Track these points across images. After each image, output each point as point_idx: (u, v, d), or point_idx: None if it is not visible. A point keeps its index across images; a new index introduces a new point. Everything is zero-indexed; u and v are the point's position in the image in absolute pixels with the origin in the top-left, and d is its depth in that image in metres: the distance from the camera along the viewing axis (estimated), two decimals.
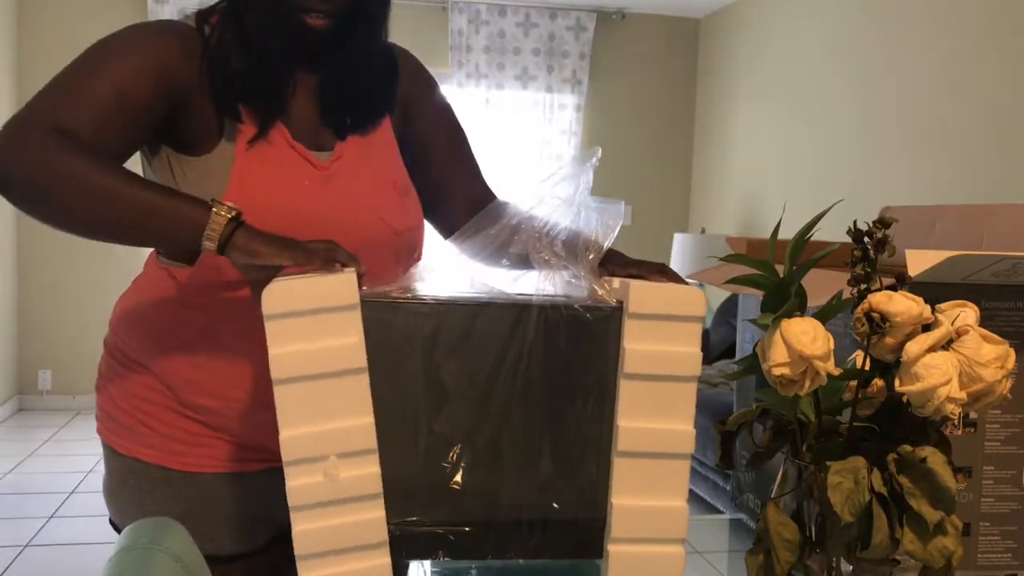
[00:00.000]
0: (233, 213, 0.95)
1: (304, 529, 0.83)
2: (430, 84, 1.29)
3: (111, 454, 1.19)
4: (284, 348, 0.82)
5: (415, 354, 0.86)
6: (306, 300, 0.82)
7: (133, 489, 1.17)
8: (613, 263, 0.99)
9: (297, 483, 0.83)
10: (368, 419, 0.84)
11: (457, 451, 0.87)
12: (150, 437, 1.15)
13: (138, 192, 0.97)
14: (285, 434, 0.82)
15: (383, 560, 0.86)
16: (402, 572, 1.08)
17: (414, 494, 0.87)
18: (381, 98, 1.20)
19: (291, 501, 0.83)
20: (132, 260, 5.21)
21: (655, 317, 0.86)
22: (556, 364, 0.88)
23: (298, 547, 0.83)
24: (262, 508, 1.17)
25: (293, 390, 0.82)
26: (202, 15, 1.12)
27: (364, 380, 0.84)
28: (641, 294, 0.86)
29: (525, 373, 0.87)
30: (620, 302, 0.88)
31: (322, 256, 0.91)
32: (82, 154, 0.96)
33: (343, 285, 0.84)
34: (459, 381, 0.87)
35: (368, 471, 0.84)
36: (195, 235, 0.95)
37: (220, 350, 1.13)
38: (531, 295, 0.89)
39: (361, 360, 0.84)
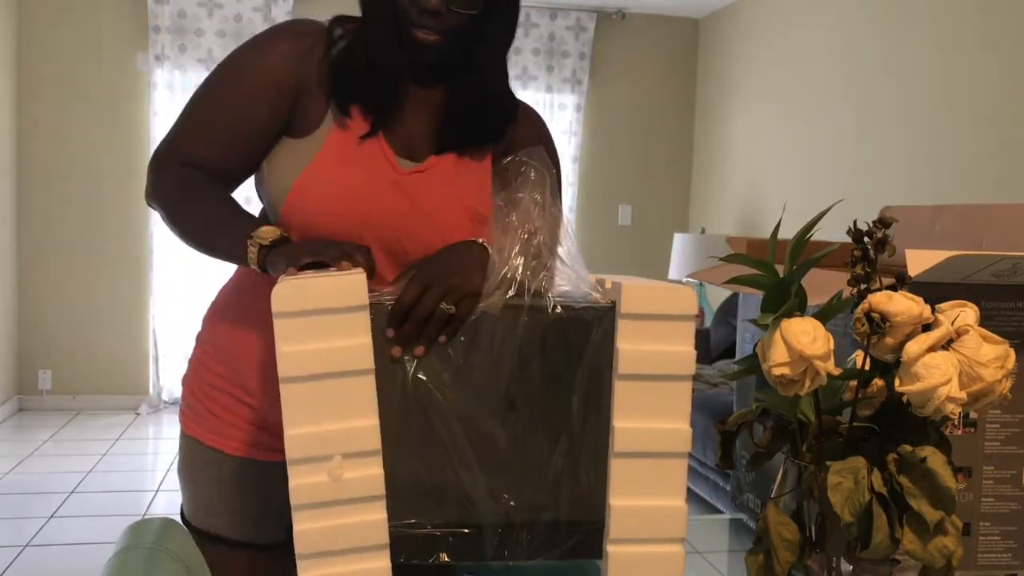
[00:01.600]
0: (267, 242, 1.03)
1: (305, 528, 0.83)
2: (541, 139, 1.28)
3: (181, 435, 1.28)
4: (292, 347, 0.82)
5: (412, 356, 0.86)
6: (315, 299, 0.83)
7: (191, 468, 1.26)
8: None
9: (300, 482, 0.83)
10: (373, 421, 0.84)
11: (455, 454, 0.87)
12: (211, 420, 1.23)
13: (209, 225, 1.12)
14: (290, 432, 0.83)
15: (383, 563, 0.85)
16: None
17: (413, 496, 0.87)
18: (493, 126, 1.21)
19: (293, 500, 0.83)
20: (133, 262, 5.21)
21: (647, 317, 0.86)
22: (552, 366, 0.88)
23: (299, 546, 0.83)
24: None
25: (300, 389, 0.83)
26: (339, 20, 1.19)
27: (370, 381, 0.84)
28: (633, 294, 0.86)
29: (521, 375, 0.87)
30: (613, 303, 0.88)
31: (335, 251, 0.94)
32: (193, 192, 1.14)
33: (352, 286, 0.84)
34: (456, 383, 0.87)
35: (372, 472, 0.84)
36: (245, 261, 1.07)
37: None
38: (525, 297, 0.89)
39: (368, 361, 0.84)
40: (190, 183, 1.14)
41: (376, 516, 0.85)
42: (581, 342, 0.88)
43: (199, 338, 1.29)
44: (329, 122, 1.14)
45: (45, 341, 5.21)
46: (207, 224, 1.12)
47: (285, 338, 0.82)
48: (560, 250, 0.92)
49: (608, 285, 0.91)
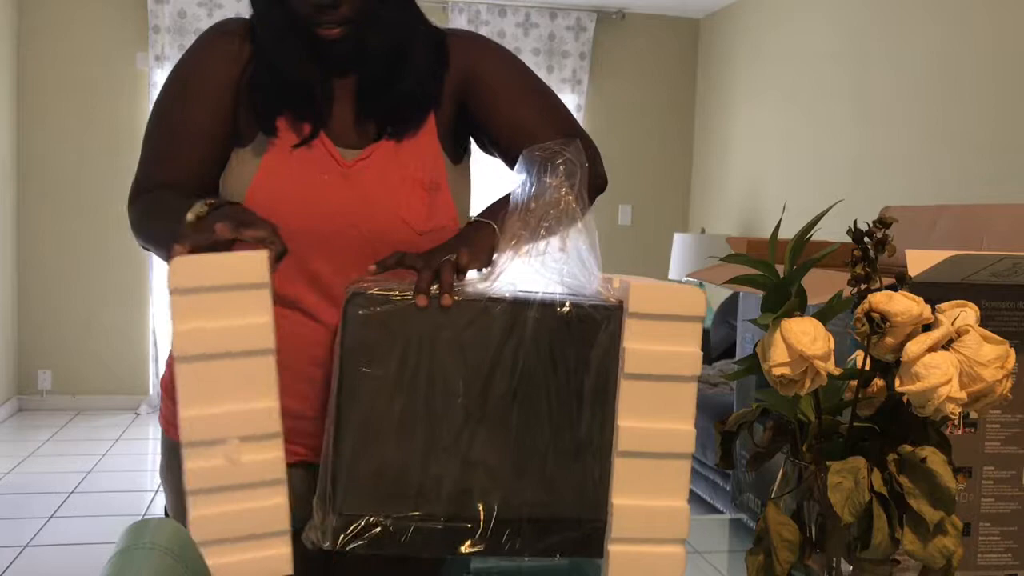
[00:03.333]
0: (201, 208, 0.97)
1: (202, 514, 0.80)
2: (486, 56, 1.25)
3: (163, 438, 1.26)
4: (189, 325, 0.79)
5: (415, 349, 0.86)
6: (214, 276, 0.80)
7: (176, 471, 1.22)
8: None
9: (196, 465, 0.80)
10: (273, 403, 0.82)
11: (457, 446, 0.87)
12: None
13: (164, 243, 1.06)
14: (185, 414, 0.80)
15: (283, 550, 0.83)
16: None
17: (415, 489, 0.87)
18: (420, 100, 1.19)
19: (188, 484, 0.80)
20: (132, 262, 5.21)
21: (655, 317, 0.86)
22: (556, 363, 0.88)
23: (195, 532, 0.80)
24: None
25: (197, 369, 0.80)
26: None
27: (271, 362, 0.82)
28: (641, 294, 0.86)
29: (525, 371, 0.88)
30: (620, 301, 0.88)
31: (232, 220, 0.89)
32: (156, 206, 1.12)
33: (253, 263, 0.81)
34: (459, 377, 0.87)
35: (271, 456, 0.81)
36: None
37: None
38: (533, 292, 0.89)
39: (268, 341, 0.81)
40: (153, 201, 1.12)
41: (276, 501, 0.82)
42: (589, 340, 0.88)
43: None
44: (269, 132, 1.14)
45: (45, 341, 5.21)
46: (162, 227, 1.05)
47: (182, 316, 0.79)
48: (577, 246, 0.92)
49: (616, 284, 0.91)
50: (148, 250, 1.13)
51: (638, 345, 0.86)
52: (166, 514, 1.27)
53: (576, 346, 0.88)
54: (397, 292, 0.87)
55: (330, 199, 1.13)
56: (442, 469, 0.87)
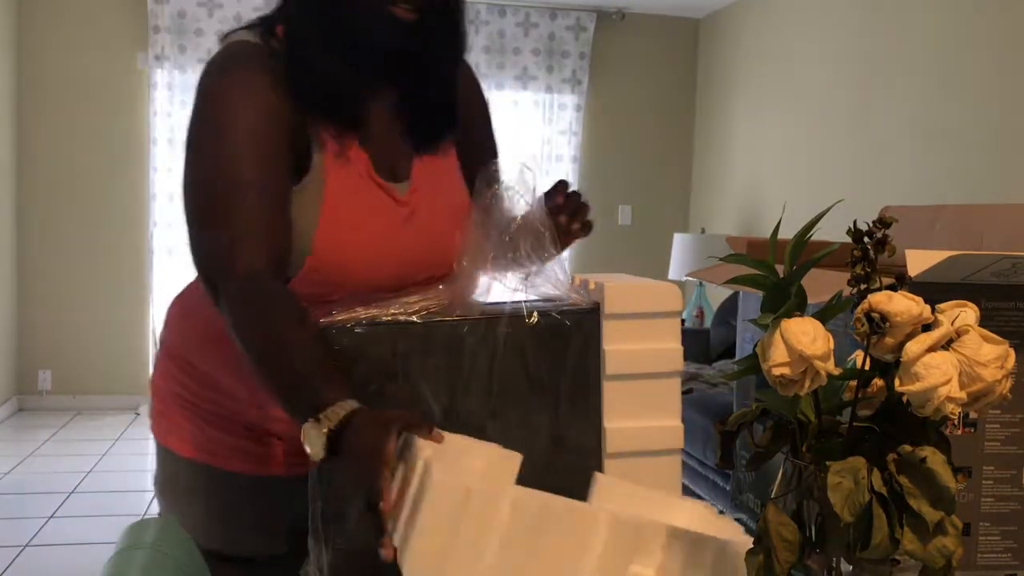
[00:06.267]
0: (335, 424, 0.82)
1: None
2: (474, 84, 1.24)
3: (167, 455, 1.20)
4: None
5: (387, 376, 0.85)
6: None
7: (186, 490, 1.18)
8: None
9: None
10: None
11: None
12: (206, 441, 1.16)
13: (283, 371, 0.90)
14: None
15: None
16: None
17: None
18: (454, 112, 1.15)
19: None
20: (132, 262, 5.21)
21: (632, 316, 0.87)
22: (531, 372, 0.88)
23: None
24: (294, 512, 1.17)
25: None
26: (266, 30, 1.08)
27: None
28: (616, 295, 0.86)
29: (502, 383, 0.87)
30: (595, 304, 0.88)
31: (401, 424, 0.78)
32: (275, 349, 0.91)
33: None
34: (436, 398, 0.86)
35: None
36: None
37: None
38: (504, 304, 0.89)
39: None
40: (273, 323, 0.92)
41: None
42: (563, 346, 0.88)
43: (171, 345, 1.19)
44: (319, 163, 1.06)
45: (45, 341, 5.20)
46: (280, 371, 0.90)
47: None
48: (542, 252, 0.92)
49: (592, 286, 0.91)
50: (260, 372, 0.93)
51: (618, 346, 0.87)
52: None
53: (549, 354, 0.88)
54: (363, 321, 0.86)
55: (396, 247, 1.08)
56: None
